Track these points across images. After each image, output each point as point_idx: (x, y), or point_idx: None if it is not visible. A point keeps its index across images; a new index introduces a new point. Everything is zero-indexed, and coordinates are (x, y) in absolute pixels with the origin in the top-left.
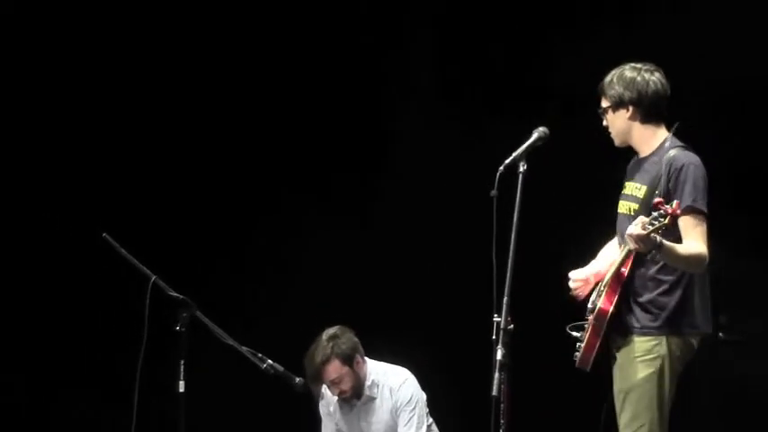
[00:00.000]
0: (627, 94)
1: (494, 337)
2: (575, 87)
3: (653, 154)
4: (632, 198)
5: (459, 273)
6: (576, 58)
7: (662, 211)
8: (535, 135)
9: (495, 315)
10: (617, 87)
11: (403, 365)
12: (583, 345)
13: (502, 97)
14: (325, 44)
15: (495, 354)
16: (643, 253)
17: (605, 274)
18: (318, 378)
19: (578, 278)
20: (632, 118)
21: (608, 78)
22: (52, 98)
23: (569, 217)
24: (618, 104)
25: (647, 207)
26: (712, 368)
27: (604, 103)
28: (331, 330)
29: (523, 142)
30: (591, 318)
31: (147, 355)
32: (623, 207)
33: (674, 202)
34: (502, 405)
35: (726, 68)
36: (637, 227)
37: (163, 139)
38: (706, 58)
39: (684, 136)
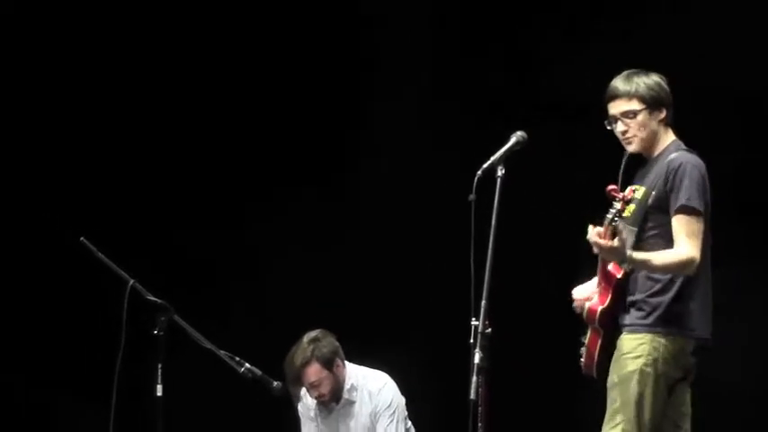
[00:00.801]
0: (663, 95)
1: (471, 340)
2: (559, 92)
3: (658, 156)
4: (632, 200)
5: (437, 277)
6: (562, 66)
7: (613, 198)
8: (513, 139)
9: (473, 318)
10: (654, 89)
11: (381, 369)
12: (586, 350)
13: (481, 102)
14: (304, 49)
15: (473, 357)
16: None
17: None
18: (298, 380)
19: (580, 297)
20: (663, 121)
21: (627, 82)
22: (29, 101)
23: (548, 221)
24: (656, 105)
25: (642, 207)
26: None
27: (635, 106)
28: (312, 333)
29: (502, 146)
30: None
31: (124, 359)
32: (628, 210)
33: (628, 189)
34: (479, 409)
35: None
36: (591, 234)
37: (140, 142)
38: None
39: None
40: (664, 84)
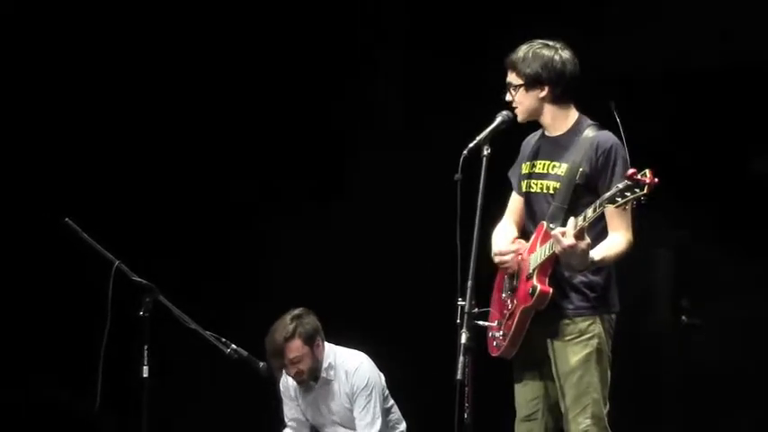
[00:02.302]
0: (544, 74)
1: (458, 320)
2: None
3: (569, 133)
4: (550, 177)
5: (423, 256)
6: None
7: (637, 183)
8: (499, 119)
9: (460, 299)
10: (533, 65)
11: (367, 349)
12: (510, 332)
13: (469, 84)
14: (289, 55)
15: (460, 337)
16: (574, 267)
17: (527, 254)
18: (278, 355)
19: (509, 250)
20: (546, 98)
21: (519, 54)
22: (14, 85)
23: None
24: (533, 83)
25: (569, 185)
26: (675, 352)
27: (516, 80)
28: (295, 311)
29: (487, 126)
30: (518, 302)
31: (110, 340)
32: (537, 186)
33: (648, 171)
34: (466, 389)
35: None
36: (568, 238)
37: (128, 124)
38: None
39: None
40: (557, 61)
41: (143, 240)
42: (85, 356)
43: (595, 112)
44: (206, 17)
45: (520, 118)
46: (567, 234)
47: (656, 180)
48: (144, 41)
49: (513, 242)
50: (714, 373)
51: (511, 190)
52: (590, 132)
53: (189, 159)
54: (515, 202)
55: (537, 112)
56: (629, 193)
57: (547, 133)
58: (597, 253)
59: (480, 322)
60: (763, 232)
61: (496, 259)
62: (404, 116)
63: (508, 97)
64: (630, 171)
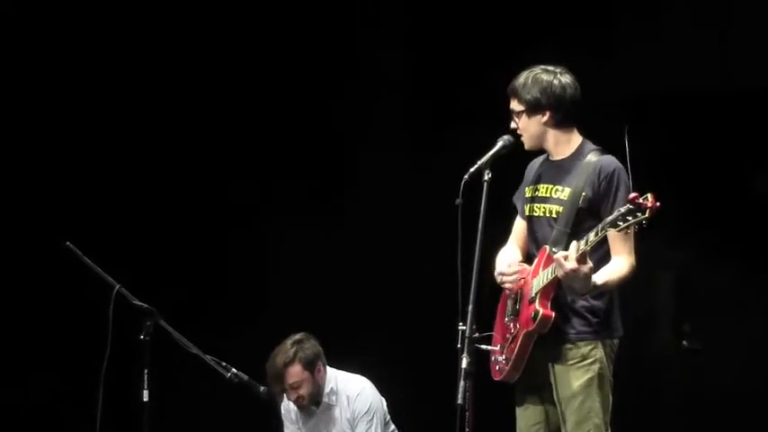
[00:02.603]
0: (544, 99)
1: (459, 345)
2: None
3: (572, 157)
4: (553, 200)
5: (424, 281)
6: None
7: (638, 206)
8: (500, 143)
9: (461, 323)
10: (533, 91)
11: (369, 374)
12: (512, 356)
13: (469, 106)
14: (294, 46)
15: (461, 362)
16: (577, 291)
17: (530, 278)
18: (279, 380)
19: (512, 271)
20: (548, 123)
21: (520, 81)
22: (18, 104)
23: None
24: (534, 109)
25: (572, 209)
26: (676, 376)
27: (518, 107)
28: (296, 336)
29: (488, 150)
30: (521, 326)
31: (110, 364)
32: (540, 210)
33: (650, 195)
34: (467, 413)
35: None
36: (570, 262)
37: (129, 147)
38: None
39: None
40: (556, 85)
41: (143, 260)
42: (86, 380)
43: (598, 134)
44: (204, 18)
45: (527, 145)
46: (569, 258)
47: (658, 204)
48: (143, 44)
49: (517, 265)
50: (715, 397)
51: (515, 214)
52: (593, 157)
53: (189, 172)
54: (520, 227)
55: (541, 137)
56: (630, 217)
57: (550, 157)
58: (600, 277)
59: (483, 346)
60: (765, 254)
61: (499, 279)
62: (405, 126)
63: (512, 125)
64: (632, 195)
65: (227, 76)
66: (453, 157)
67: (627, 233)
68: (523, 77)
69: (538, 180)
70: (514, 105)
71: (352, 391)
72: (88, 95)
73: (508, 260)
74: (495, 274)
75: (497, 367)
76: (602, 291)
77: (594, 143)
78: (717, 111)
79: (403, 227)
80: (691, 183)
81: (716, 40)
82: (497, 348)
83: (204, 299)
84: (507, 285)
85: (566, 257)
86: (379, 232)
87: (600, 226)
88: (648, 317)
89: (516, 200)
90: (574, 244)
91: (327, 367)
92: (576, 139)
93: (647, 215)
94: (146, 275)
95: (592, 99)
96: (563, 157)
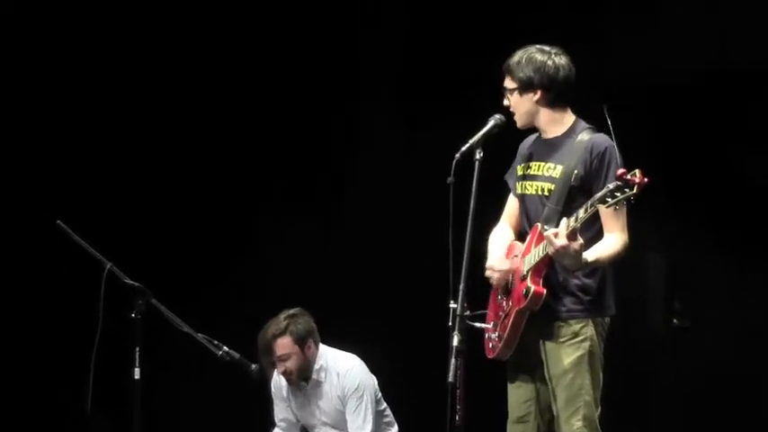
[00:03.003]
0: (537, 78)
1: (450, 323)
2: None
3: (564, 136)
4: (544, 178)
5: (416, 260)
6: None
7: (627, 182)
8: (491, 122)
9: (452, 301)
10: (526, 70)
11: (360, 352)
12: (505, 333)
13: (461, 87)
14: (289, 44)
15: (452, 340)
16: (568, 267)
17: (522, 256)
18: (268, 351)
19: (501, 269)
20: (540, 102)
21: (515, 59)
22: (6, 85)
23: None
24: (526, 87)
25: (564, 187)
26: (666, 354)
27: (510, 84)
28: (291, 310)
29: (480, 129)
30: (513, 304)
31: (102, 343)
32: (532, 188)
33: (637, 171)
34: (458, 391)
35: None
36: (560, 239)
37: (120, 125)
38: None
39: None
40: (549, 65)
41: (137, 242)
42: (78, 358)
43: (593, 117)
44: (200, 19)
45: (519, 123)
46: (559, 235)
47: (646, 180)
48: (136, 40)
49: (507, 256)
50: (706, 376)
51: (507, 193)
52: (585, 135)
53: (182, 160)
54: (512, 205)
55: (532, 115)
56: (618, 194)
57: (542, 135)
58: (591, 254)
59: (476, 324)
60: (755, 236)
61: (487, 273)
62: (401, 117)
63: (506, 102)
64: (620, 171)
65: (221, 66)
66: (445, 137)
67: (618, 210)
68: (518, 56)
69: (530, 158)
70: (508, 83)
71: (342, 369)
72: (81, 78)
73: (501, 246)
74: (487, 265)
75: (490, 345)
76: (594, 267)
77: (588, 122)
78: (706, 93)
79: (395, 206)
80: (682, 166)
81: (708, 26)
82: (490, 326)
83: (198, 282)
84: (494, 280)
85: (556, 234)
86: (372, 211)
87: (589, 203)
88: (639, 297)
89: (508, 178)
90: (564, 221)
91: (320, 344)
92: (568, 118)
93: (635, 191)
94: (140, 258)
95: (585, 86)
96: (555, 135)
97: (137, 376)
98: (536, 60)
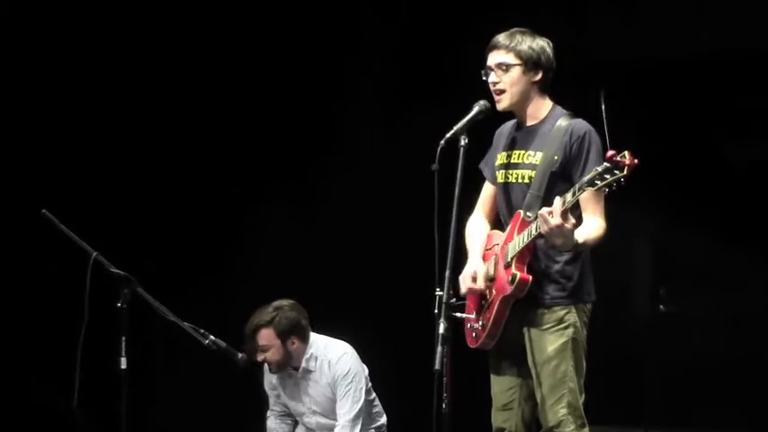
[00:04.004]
0: (543, 58)
1: (436, 310)
2: None
3: (542, 122)
4: (525, 166)
5: (401, 247)
6: None
7: (617, 164)
8: (476, 108)
9: (438, 289)
10: (534, 47)
11: (345, 339)
12: (489, 322)
13: (447, 74)
14: (274, 38)
15: (438, 327)
16: (559, 248)
17: (504, 244)
18: (250, 338)
19: (478, 288)
20: (537, 83)
21: (517, 36)
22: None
23: None
24: (531, 65)
25: (545, 173)
26: (653, 341)
27: (513, 60)
28: (284, 301)
29: (464, 116)
30: (496, 292)
31: (88, 332)
32: (513, 176)
33: (627, 153)
34: (444, 379)
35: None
36: (555, 218)
37: (110, 120)
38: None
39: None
40: (548, 49)
41: (124, 232)
42: (63, 348)
43: (571, 101)
44: (183, 17)
45: (505, 103)
46: (554, 214)
47: (636, 161)
48: (123, 35)
49: (486, 245)
50: (693, 362)
51: (482, 178)
52: (563, 121)
53: (170, 150)
54: (487, 194)
55: (524, 97)
56: (608, 176)
57: (522, 122)
58: (580, 235)
59: (458, 314)
60: (740, 221)
61: (463, 289)
62: (386, 109)
63: (493, 79)
64: (610, 153)
65: (208, 63)
66: (429, 123)
67: (598, 194)
68: (519, 34)
69: (511, 146)
70: (504, 58)
71: (333, 357)
72: (64, 68)
73: (479, 238)
74: (464, 275)
75: (473, 334)
76: (581, 250)
77: (566, 108)
78: (690, 77)
79: (379, 192)
80: (668, 152)
81: (690, 7)
82: (472, 316)
83: (185, 272)
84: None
85: (550, 213)
86: (356, 198)
87: (577, 185)
88: (625, 284)
89: (483, 167)
90: (558, 199)
91: (311, 332)
92: (548, 104)
93: (625, 173)
94: (128, 248)
95: (565, 65)
96: (535, 122)
97: (123, 366)
98: (537, 41)
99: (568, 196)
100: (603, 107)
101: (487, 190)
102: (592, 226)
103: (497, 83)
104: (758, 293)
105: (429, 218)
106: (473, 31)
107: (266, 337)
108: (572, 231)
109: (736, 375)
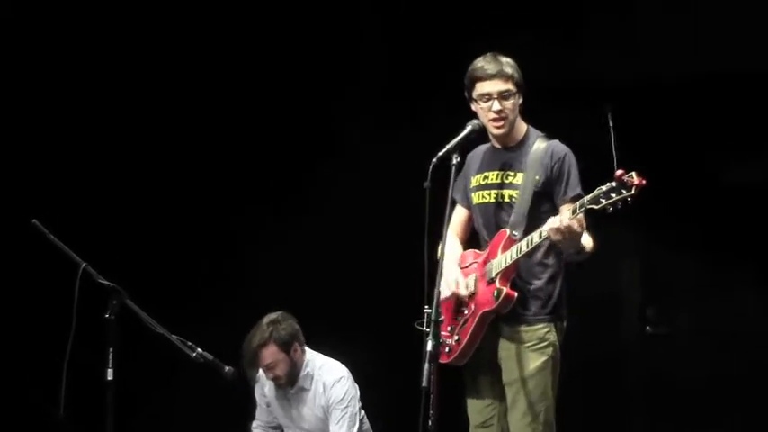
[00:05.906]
0: (521, 82)
1: (425, 328)
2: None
3: (521, 143)
4: (506, 186)
5: (391, 264)
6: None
7: (625, 184)
8: (469, 128)
9: (427, 306)
10: (517, 74)
11: (334, 356)
12: (466, 337)
13: (442, 90)
14: (273, 40)
15: (426, 345)
16: (566, 248)
17: (485, 261)
18: (254, 361)
19: (464, 293)
20: (520, 107)
21: (510, 63)
22: None
23: None
24: (521, 91)
25: (527, 193)
26: (640, 361)
27: (512, 87)
28: (273, 315)
29: (457, 134)
30: (477, 306)
31: (75, 343)
32: (490, 196)
33: (634, 173)
34: (431, 396)
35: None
36: (572, 220)
37: (102, 127)
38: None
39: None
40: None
41: (114, 243)
42: (51, 359)
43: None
44: (178, 18)
45: (507, 129)
46: (564, 218)
47: (644, 182)
48: (116, 39)
49: (461, 264)
50: (679, 382)
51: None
52: (541, 143)
53: (161, 160)
54: (460, 217)
55: (514, 121)
56: (614, 194)
57: (497, 145)
58: (584, 241)
59: (418, 326)
60: (729, 241)
61: (446, 292)
62: (380, 121)
63: (496, 107)
64: (618, 172)
65: (201, 67)
66: (422, 140)
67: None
68: (505, 60)
69: (488, 167)
70: (506, 86)
71: (329, 380)
72: (56, 74)
73: (454, 259)
74: (449, 290)
75: (446, 349)
76: (583, 257)
77: (539, 129)
78: (680, 98)
79: (371, 209)
80: (656, 171)
81: (688, 26)
82: (446, 332)
83: (176, 284)
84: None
85: (561, 220)
86: (348, 215)
87: (578, 204)
88: (613, 303)
89: (455, 192)
90: (568, 206)
91: (307, 349)
92: (524, 125)
93: (632, 192)
94: (117, 259)
95: (563, 86)
96: (514, 143)
97: (110, 377)
98: (515, 65)
99: (568, 214)
100: (611, 124)
101: (459, 214)
102: (586, 237)
103: (501, 110)
104: (746, 313)
105: (420, 234)
106: (473, 34)
107: (270, 354)
108: (581, 234)
109: (723, 395)
